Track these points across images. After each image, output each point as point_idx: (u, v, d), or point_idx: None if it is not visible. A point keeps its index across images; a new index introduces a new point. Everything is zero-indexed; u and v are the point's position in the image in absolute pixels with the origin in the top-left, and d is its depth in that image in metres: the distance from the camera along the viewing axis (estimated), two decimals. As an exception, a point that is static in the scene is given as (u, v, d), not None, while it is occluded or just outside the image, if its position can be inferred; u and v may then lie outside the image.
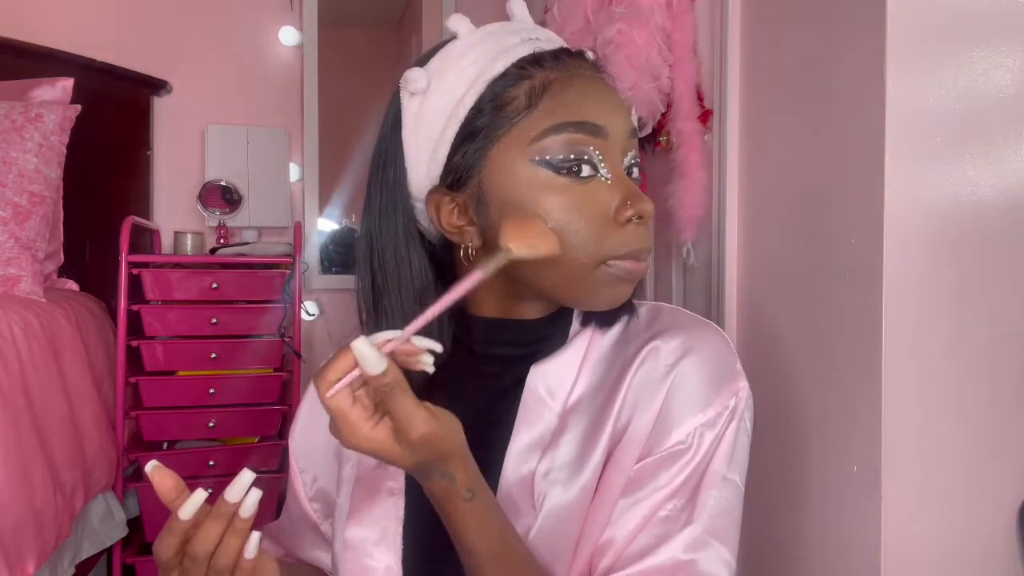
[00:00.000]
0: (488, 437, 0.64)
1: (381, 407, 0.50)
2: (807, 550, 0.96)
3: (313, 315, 2.38)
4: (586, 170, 0.57)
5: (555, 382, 0.64)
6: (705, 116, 1.23)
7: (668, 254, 1.40)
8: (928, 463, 0.82)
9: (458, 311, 0.67)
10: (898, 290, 0.81)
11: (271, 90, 2.41)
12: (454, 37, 0.62)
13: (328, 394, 0.48)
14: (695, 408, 0.61)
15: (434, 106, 0.59)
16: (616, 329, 0.67)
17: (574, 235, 0.57)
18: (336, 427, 0.49)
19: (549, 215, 0.56)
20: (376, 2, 2.80)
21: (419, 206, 0.64)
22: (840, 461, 0.89)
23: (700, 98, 1.25)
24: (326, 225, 2.52)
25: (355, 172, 2.57)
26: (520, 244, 0.54)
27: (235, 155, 2.29)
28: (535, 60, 0.59)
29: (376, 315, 0.64)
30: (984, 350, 0.83)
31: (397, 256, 0.63)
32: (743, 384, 0.64)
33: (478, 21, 0.64)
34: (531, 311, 0.66)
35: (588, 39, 1.32)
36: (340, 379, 0.48)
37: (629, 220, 0.57)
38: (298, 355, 2.01)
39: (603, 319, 0.66)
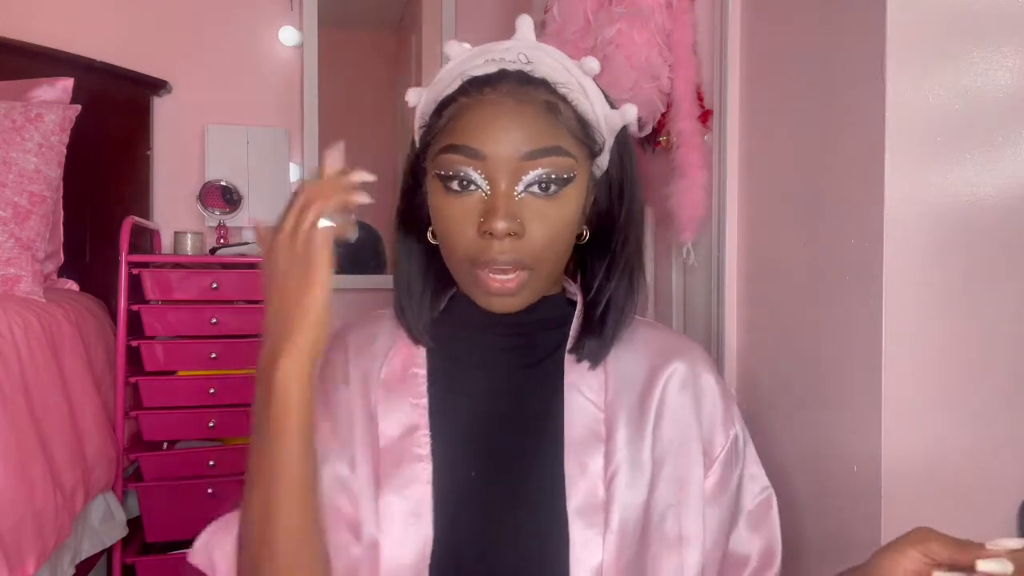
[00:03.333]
0: (526, 431, 0.71)
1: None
2: (807, 550, 0.96)
3: (313, 315, 2.38)
4: (472, 186, 0.65)
5: (591, 377, 0.72)
6: (705, 116, 1.23)
7: (668, 254, 1.40)
8: (928, 463, 0.82)
9: (455, 293, 0.76)
10: (898, 290, 0.81)
11: (271, 90, 2.41)
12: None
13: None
14: (728, 407, 0.74)
15: (417, 118, 0.72)
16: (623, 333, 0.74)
17: (449, 237, 0.66)
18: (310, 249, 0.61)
19: (440, 220, 0.67)
20: (376, 2, 2.80)
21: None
22: (840, 461, 0.89)
23: (700, 98, 1.25)
24: (326, 225, 2.52)
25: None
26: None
27: (235, 155, 2.29)
28: (463, 88, 0.67)
29: (403, 296, 0.75)
30: (984, 350, 0.83)
31: (409, 247, 0.75)
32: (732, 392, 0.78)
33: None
34: None
35: (588, 39, 1.32)
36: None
37: (485, 233, 0.64)
38: (298, 355, 2.01)
39: (586, 356, 0.72)
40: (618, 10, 1.25)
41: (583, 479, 0.68)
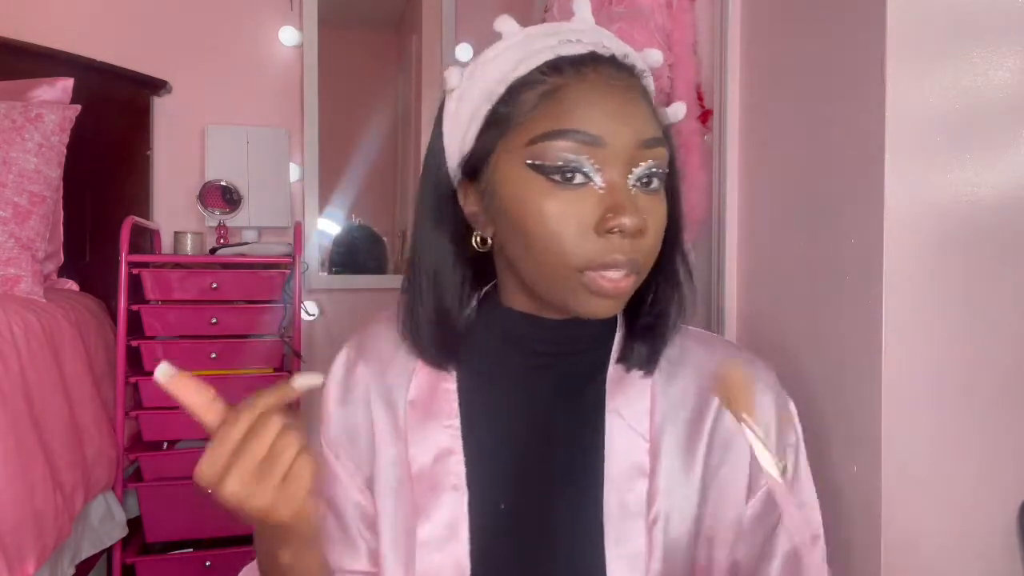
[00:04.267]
0: (565, 462, 0.66)
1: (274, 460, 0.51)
2: (807, 550, 0.96)
3: (313, 315, 2.38)
4: (579, 178, 0.57)
5: (635, 401, 0.66)
6: (705, 116, 1.23)
7: (668, 254, 1.40)
8: (928, 463, 0.82)
9: (496, 303, 0.69)
10: (898, 290, 0.81)
11: (271, 90, 2.41)
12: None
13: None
14: (783, 435, 0.67)
15: (467, 104, 0.62)
16: (672, 352, 0.68)
17: (554, 239, 0.57)
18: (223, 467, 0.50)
19: (537, 218, 0.58)
20: (376, 2, 2.80)
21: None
22: (840, 461, 0.89)
23: (700, 98, 1.25)
24: (326, 225, 2.52)
25: (355, 172, 2.57)
26: (743, 410, 0.58)
27: (235, 155, 2.29)
28: (554, 65, 0.59)
29: (412, 314, 0.67)
30: (984, 350, 0.83)
31: (436, 251, 0.66)
32: (794, 408, 0.70)
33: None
34: (553, 312, 0.66)
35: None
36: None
37: (610, 231, 0.57)
38: (298, 355, 2.01)
39: (637, 363, 0.67)
40: (618, 10, 1.25)
41: (623, 517, 0.63)
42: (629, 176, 0.58)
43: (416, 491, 0.66)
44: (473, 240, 0.65)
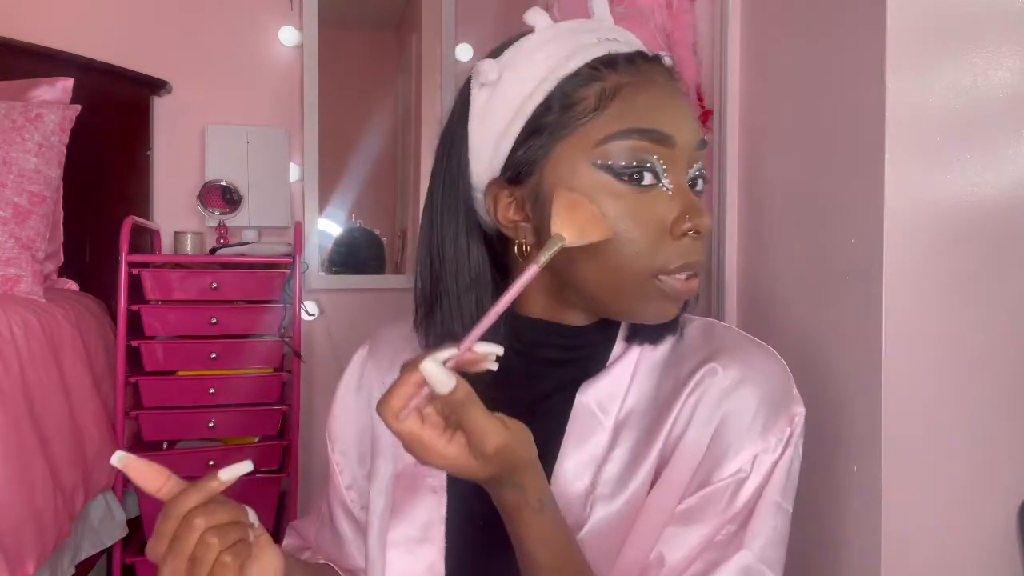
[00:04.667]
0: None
1: (452, 421, 0.49)
2: (807, 550, 0.96)
3: (313, 315, 2.38)
4: (648, 178, 0.56)
5: (606, 396, 0.64)
6: (705, 116, 1.23)
7: (668, 254, 1.41)
8: (928, 463, 0.82)
9: (506, 311, 0.68)
10: (898, 290, 0.81)
11: (271, 90, 2.41)
12: (531, 31, 0.60)
13: (399, 419, 0.47)
14: (754, 435, 0.61)
15: (503, 98, 0.59)
16: (665, 345, 0.67)
17: (629, 243, 0.56)
18: (410, 449, 0.49)
19: (610, 222, 0.56)
20: (376, 2, 2.79)
21: (478, 196, 0.63)
22: (840, 461, 0.89)
23: (700, 98, 1.25)
24: (326, 225, 2.52)
25: (355, 172, 2.57)
26: (572, 231, 0.53)
27: (235, 155, 2.28)
28: (609, 62, 0.57)
29: (431, 305, 0.64)
30: (984, 350, 0.83)
31: (456, 245, 0.63)
32: (799, 410, 0.64)
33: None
34: (576, 318, 0.65)
35: (588, 39, 1.32)
36: (404, 405, 0.47)
37: (685, 234, 0.56)
38: (298, 355, 2.01)
39: (649, 337, 0.65)
40: (618, 10, 1.25)
41: (567, 513, 0.60)
42: (686, 177, 0.58)
43: (395, 491, 0.66)
44: (516, 249, 0.62)
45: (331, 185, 2.49)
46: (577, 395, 0.64)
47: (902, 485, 0.81)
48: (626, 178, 0.56)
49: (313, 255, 2.42)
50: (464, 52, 2.47)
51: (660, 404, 0.64)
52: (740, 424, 0.61)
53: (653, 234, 0.56)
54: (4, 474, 1.24)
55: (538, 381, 0.67)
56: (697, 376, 0.62)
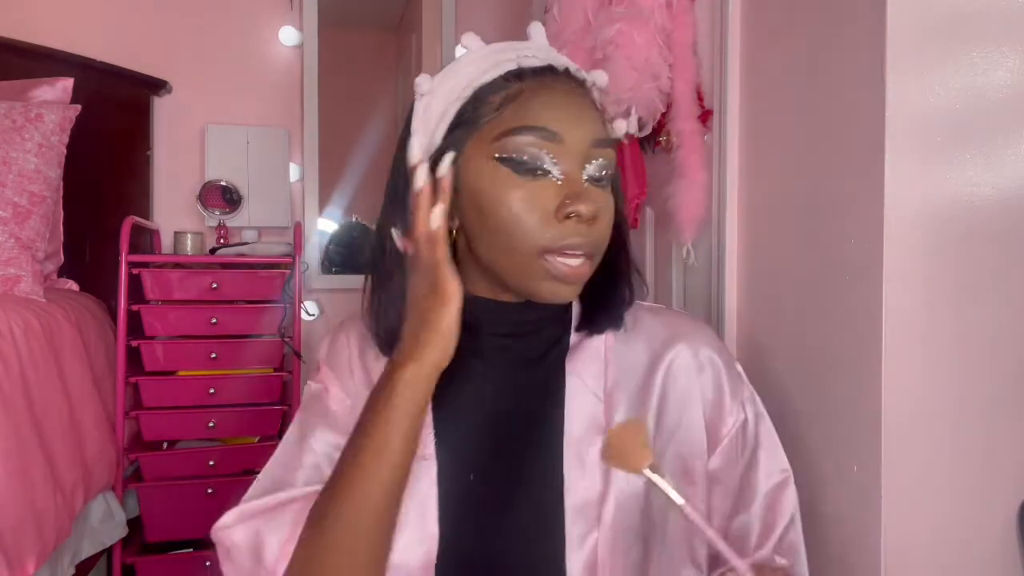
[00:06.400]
0: (527, 426, 0.72)
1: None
2: (806, 550, 0.96)
3: (313, 315, 2.38)
4: (540, 170, 0.64)
5: (591, 363, 0.72)
6: (705, 116, 1.23)
7: (668, 254, 1.40)
8: (928, 463, 0.82)
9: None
10: (898, 290, 0.81)
11: (271, 90, 2.41)
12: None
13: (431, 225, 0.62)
14: (735, 391, 0.75)
15: (434, 106, 0.69)
16: (626, 322, 0.75)
17: (518, 225, 0.64)
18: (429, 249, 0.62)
19: (504, 205, 0.64)
20: (376, 2, 2.80)
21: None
22: (840, 461, 0.89)
23: (700, 98, 1.25)
24: (326, 225, 2.52)
25: (355, 172, 2.57)
26: (634, 466, 0.62)
27: (235, 155, 2.29)
28: (517, 73, 0.66)
29: (378, 293, 0.72)
30: (984, 350, 0.83)
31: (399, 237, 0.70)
32: (740, 368, 0.79)
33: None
34: (510, 296, 0.72)
35: (588, 39, 1.32)
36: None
37: (568, 216, 0.63)
38: (298, 355, 2.01)
39: (597, 328, 0.73)
40: (618, 10, 1.25)
41: (582, 474, 0.69)
42: (583, 171, 0.65)
43: None
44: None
45: (331, 185, 2.49)
46: (567, 365, 0.72)
47: (902, 485, 0.81)
48: (521, 170, 0.64)
49: (313, 255, 2.42)
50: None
51: (640, 378, 0.73)
52: (722, 386, 0.75)
53: (540, 217, 0.64)
54: (4, 474, 1.25)
55: (499, 352, 0.74)
56: (669, 355, 0.74)
